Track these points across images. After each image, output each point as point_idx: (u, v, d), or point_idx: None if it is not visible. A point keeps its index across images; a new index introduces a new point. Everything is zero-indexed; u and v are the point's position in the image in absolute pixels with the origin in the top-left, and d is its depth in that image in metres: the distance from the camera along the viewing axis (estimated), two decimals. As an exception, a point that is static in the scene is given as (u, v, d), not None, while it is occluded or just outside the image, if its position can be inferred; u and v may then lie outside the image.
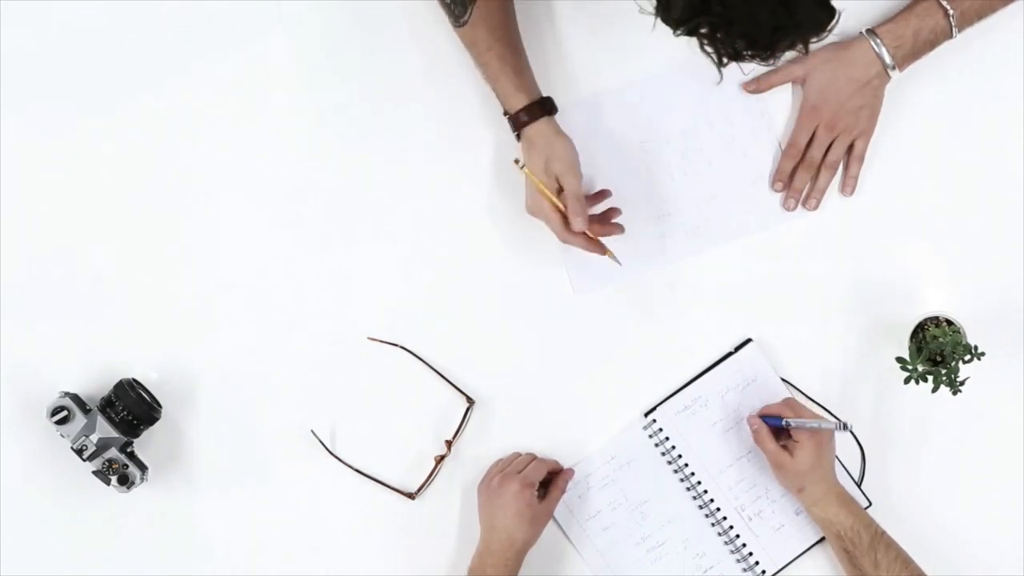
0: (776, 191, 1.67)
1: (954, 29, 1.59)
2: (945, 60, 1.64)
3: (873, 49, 1.60)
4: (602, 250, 1.58)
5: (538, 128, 1.57)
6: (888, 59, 1.60)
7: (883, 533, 1.57)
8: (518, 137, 1.59)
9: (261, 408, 1.68)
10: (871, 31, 1.61)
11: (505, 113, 1.59)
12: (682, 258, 1.68)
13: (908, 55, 1.60)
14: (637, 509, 1.66)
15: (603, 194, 1.64)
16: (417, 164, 1.69)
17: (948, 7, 1.58)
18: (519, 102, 1.57)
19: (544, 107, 1.58)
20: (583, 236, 1.56)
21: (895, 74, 1.61)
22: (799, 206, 1.67)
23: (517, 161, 1.58)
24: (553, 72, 1.64)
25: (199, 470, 1.67)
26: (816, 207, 1.67)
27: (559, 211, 1.55)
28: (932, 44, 1.60)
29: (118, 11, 1.69)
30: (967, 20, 1.59)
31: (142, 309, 1.68)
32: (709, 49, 1.22)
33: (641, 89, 1.69)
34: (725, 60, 1.22)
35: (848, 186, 1.66)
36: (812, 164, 1.66)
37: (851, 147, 1.65)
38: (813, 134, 1.65)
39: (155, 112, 1.69)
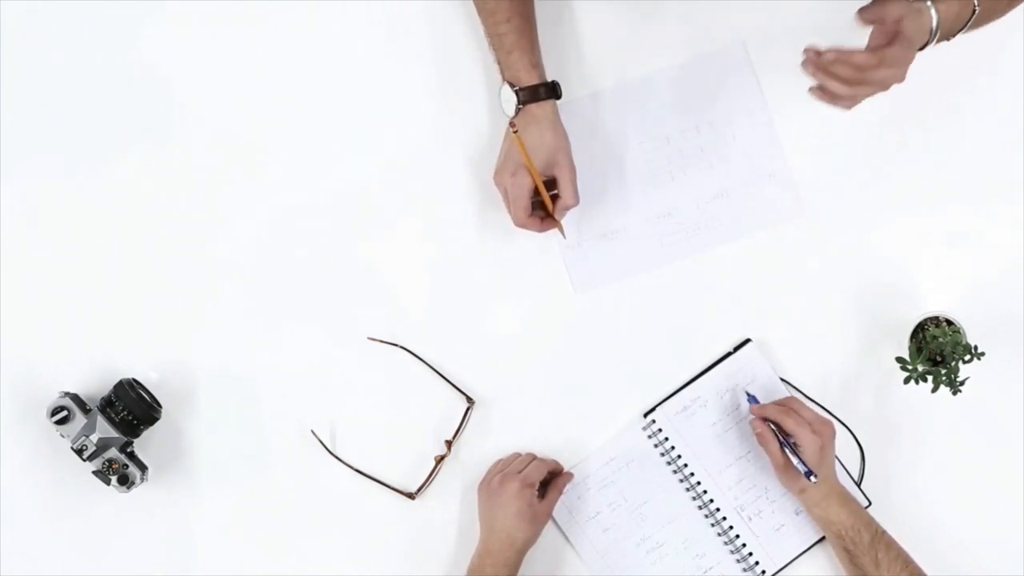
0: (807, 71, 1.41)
1: (968, 25, 1.51)
2: (946, 60, 1.63)
3: (932, 19, 1.45)
4: (555, 224, 1.62)
5: (543, 109, 1.58)
6: (934, 27, 1.44)
7: (883, 532, 1.57)
8: (516, 111, 1.58)
9: (261, 408, 1.68)
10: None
11: (511, 85, 1.58)
12: (682, 258, 1.68)
13: (944, 35, 1.46)
14: (637, 510, 1.66)
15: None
16: (417, 164, 1.69)
17: (976, 3, 1.46)
18: (531, 79, 1.58)
19: (554, 90, 1.59)
20: (537, 219, 1.60)
21: (929, 47, 1.46)
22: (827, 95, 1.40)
23: (513, 125, 1.55)
24: (553, 71, 1.64)
25: (199, 470, 1.67)
26: (850, 106, 1.42)
27: (527, 194, 1.57)
28: (948, 35, 1.48)
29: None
30: (982, 19, 1.53)
31: (142, 309, 1.68)
32: None
33: (641, 88, 1.68)
34: None
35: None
36: (858, 68, 1.39)
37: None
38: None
39: (155, 112, 1.70)
